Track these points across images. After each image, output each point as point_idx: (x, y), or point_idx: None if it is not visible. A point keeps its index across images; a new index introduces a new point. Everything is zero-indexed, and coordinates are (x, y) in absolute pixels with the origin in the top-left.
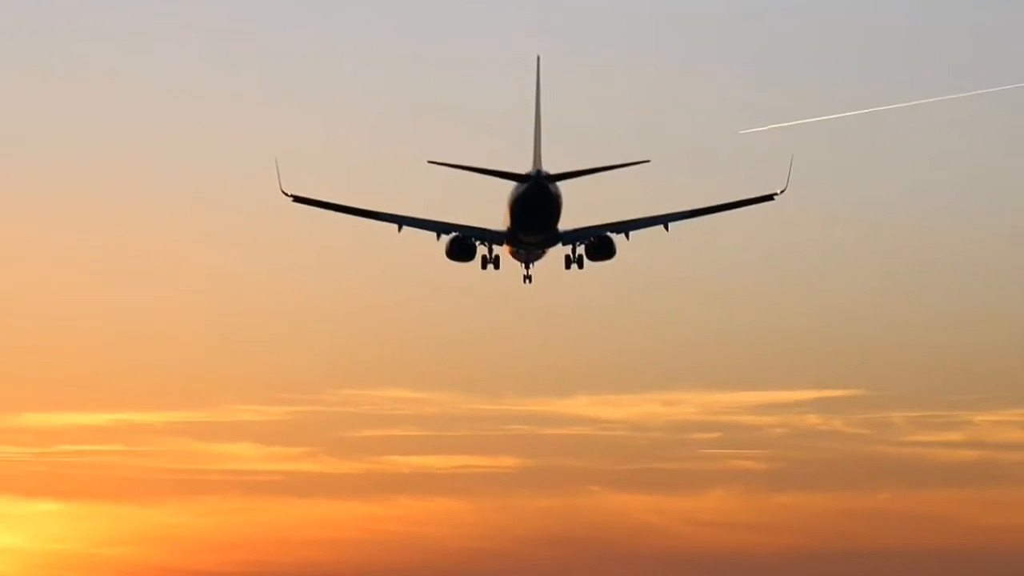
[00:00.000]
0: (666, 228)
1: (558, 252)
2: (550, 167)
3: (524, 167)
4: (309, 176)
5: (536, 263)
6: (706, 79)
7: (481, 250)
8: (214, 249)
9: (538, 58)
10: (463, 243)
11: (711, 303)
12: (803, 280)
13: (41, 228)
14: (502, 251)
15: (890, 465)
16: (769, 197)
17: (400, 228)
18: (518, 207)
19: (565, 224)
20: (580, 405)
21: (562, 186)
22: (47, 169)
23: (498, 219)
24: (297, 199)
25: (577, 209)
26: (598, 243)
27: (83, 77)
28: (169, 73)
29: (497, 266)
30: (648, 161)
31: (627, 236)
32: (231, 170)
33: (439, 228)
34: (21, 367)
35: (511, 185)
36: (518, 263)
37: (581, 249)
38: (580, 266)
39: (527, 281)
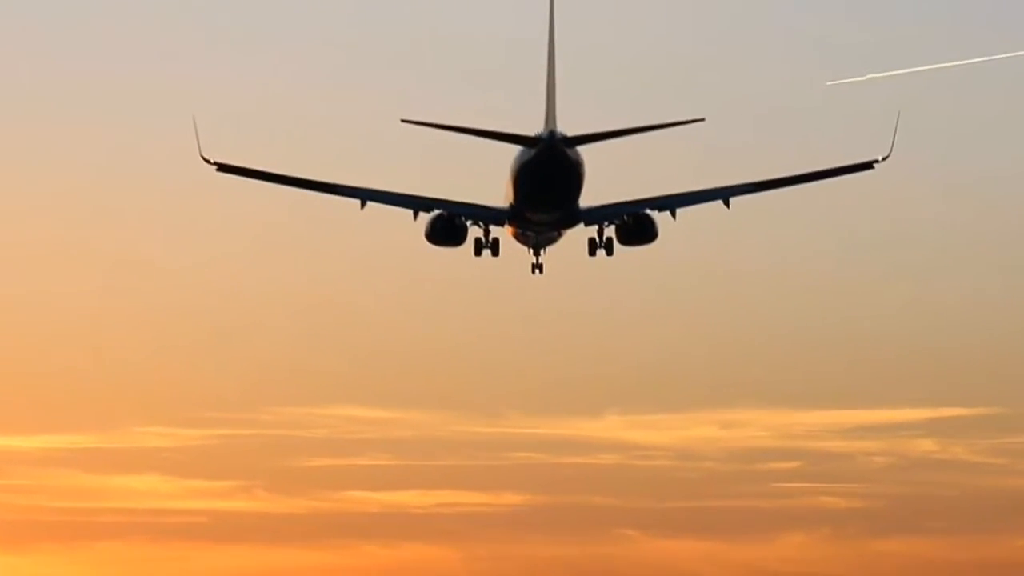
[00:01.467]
0: (727, 205)
1: (580, 234)
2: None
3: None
4: (249, 140)
5: (549, 247)
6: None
7: (474, 232)
8: (117, 231)
9: None
10: (449, 223)
11: (786, 297)
12: (910, 269)
13: None
14: (503, 233)
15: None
16: (868, 165)
17: (363, 204)
18: (524, 178)
19: (590, 199)
20: (610, 427)
21: (588, 152)
22: None
23: (495, 195)
24: (222, 167)
25: (608, 181)
26: (633, 223)
27: None
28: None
29: (496, 251)
30: (703, 119)
31: (673, 214)
32: (142, 134)
33: (416, 205)
34: None
35: (514, 156)
36: (524, 248)
37: (611, 231)
38: (609, 252)
39: (537, 271)
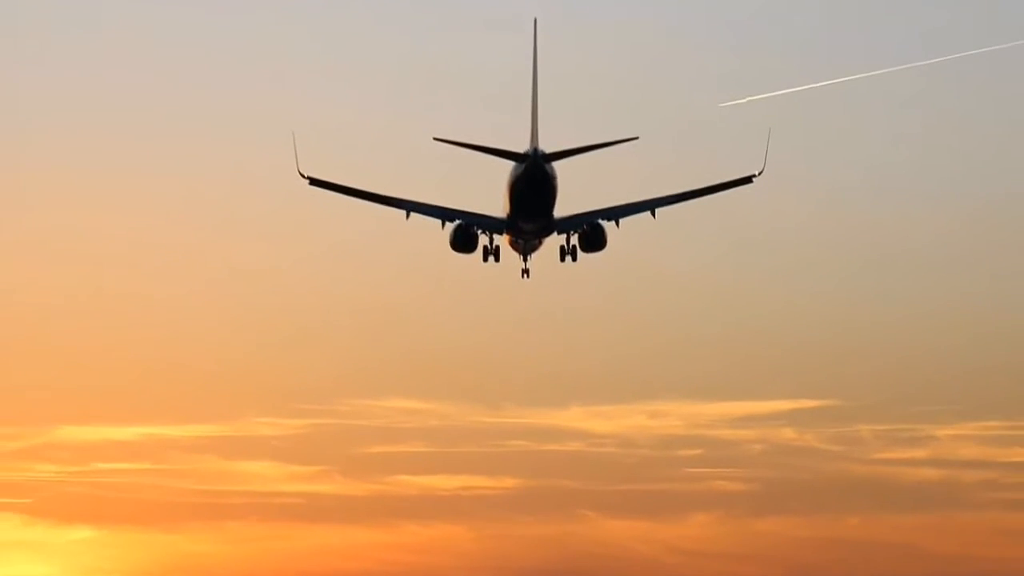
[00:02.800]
0: (653, 215)
1: (553, 244)
2: (544, 145)
3: (522, 141)
4: (317, 153)
5: (533, 255)
6: (688, 49)
7: (483, 240)
8: (225, 242)
9: (535, 20)
10: (466, 232)
11: (695, 306)
12: (776, 280)
13: (54, 229)
14: (502, 242)
15: (860, 485)
16: (747, 179)
17: (408, 215)
18: (517, 187)
19: (559, 211)
20: (574, 417)
21: (556, 167)
22: (63, 172)
23: (499, 206)
24: (314, 182)
25: (567, 193)
26: (590, 232)
27: (87, 58)
28: (174, 54)
29: (498, 258)
30: (636, 138)
31: (617, 224)
32: (245, 156)
33: (444, 215)
34: (46, 376)
35: (509, 171)
36: (517, 256)
37: (575, 239)
38: (574, 258)
39: (525, 276)
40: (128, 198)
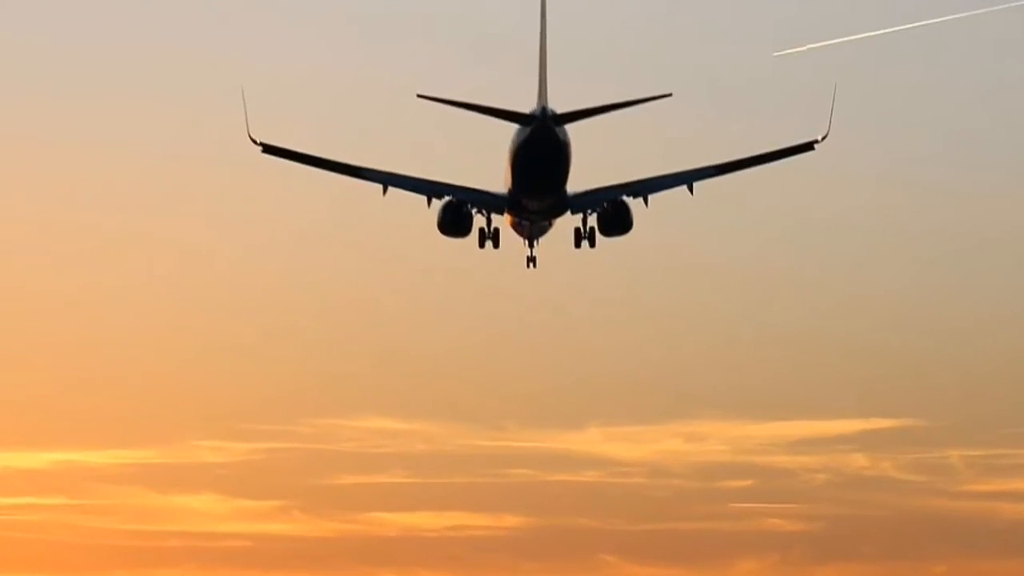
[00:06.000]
0: (690, 191)
1: (566, 227)
2: (556, 105)
3: (527, 102)
4: (279, 115)
5: (541, 239)
6: None
7: (478, 221)
8: (175, 231)
9: None
10: (458, 211)
11: (741, 302)
12: (841, 283)
13: None
14: (503, 223)
15: (948, 525)
16: (808, 146)
17: (385, 191)
18: (521, 156)
19: (574, 186)
20: (592, 440)
21: (571, 131)
22: None
23: (498, 182)
24: (267, 149)
25: (585, 165)
26: (612, 211)
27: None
28: None
29: (497, 243)
30: (670, 95)
31: (645, 202)
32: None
33: (431, 190)
34: None
35: (512, 136)
36: (520, 240)
37: (593, 220)
38: (592, 243)
39: (531, 265)
40: (37, 174)
